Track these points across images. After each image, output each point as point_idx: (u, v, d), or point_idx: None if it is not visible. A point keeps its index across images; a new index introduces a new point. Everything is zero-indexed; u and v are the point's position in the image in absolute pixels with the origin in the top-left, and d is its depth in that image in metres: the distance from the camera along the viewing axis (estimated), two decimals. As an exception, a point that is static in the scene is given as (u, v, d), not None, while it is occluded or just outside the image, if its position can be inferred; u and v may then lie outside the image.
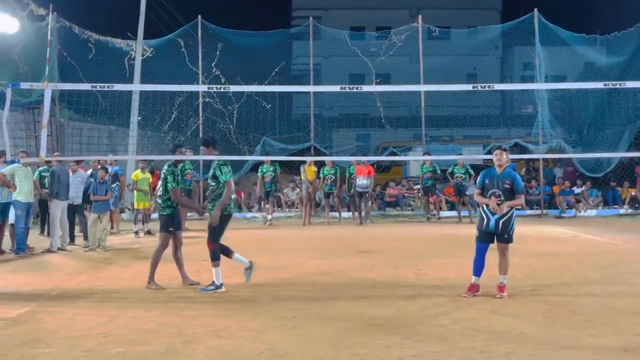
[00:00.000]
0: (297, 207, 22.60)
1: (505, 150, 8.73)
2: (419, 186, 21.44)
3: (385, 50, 23.33)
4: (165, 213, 9.39)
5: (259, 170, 19.77)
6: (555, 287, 9.01)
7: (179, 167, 9.84)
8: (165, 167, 9.44)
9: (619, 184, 23.53)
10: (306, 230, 18.13)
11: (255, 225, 19.31)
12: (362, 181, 19.29)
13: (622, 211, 22.36)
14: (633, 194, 23.00)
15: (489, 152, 23.42)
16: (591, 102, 23.67)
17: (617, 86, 11.13)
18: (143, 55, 22.44)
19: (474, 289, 8.40)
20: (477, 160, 25.66)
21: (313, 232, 17.66)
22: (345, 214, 20.75)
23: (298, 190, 22.30)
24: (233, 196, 9.27)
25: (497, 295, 8.26)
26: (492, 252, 8.48)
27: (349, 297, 8.43)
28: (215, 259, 8.96)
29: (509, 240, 8.43)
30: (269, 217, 19.54)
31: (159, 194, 9.25)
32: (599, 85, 11.87)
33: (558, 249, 13.37)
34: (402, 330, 6.63)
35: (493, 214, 8.37)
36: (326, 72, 31.22)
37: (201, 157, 18.67)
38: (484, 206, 8.47)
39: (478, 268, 8.46)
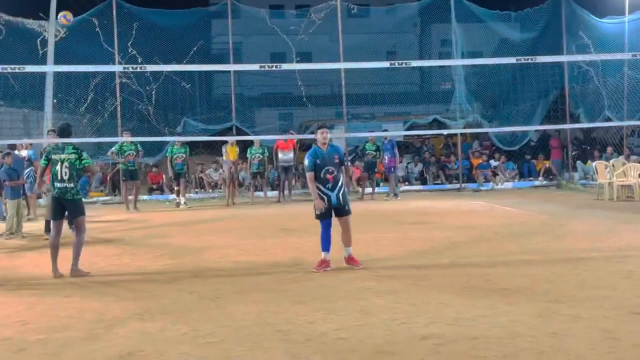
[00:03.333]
0: (220, 188, 22.46)
1: (328, 128, 9.10)
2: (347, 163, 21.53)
3: (304, 28, 23.27)
4: (80, 197, 9.18)
5: (168, 151, 19.46)
6: (473, 258, 9.26)
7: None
8: (71, 148, 9.06)
9: (534, 157, 24.31)
10: (230, 211, 18.06)
11: (177, 208, 19.07)
12: (285, 155, 19.42)
13: (537, 183, 23.14)
14: (547, 165, 23.82)
15: (410, 128, 23.88)
16: (505, 77, 24.30)
17: (529, 61, 11.46)
18: (56, 35, 21.72)
19: (324, 264, 8.65)
20: (398, 137, 26.05)
21: (236, 212, 17.61)
22: (270, 193, 20.72)
23: (221, 170, 22.15)
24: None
25: (355, 267, 8.64)
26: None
27: (272, 275, 8.47)
28: None
29: (350, 211, 8.82)
30: (183, 199, 19.33)
31: (66, 177, 8.85)
32: (512, 60, 12.19)
33: (476, 221, 13.72)
34: (325, 305, 6.71)
35: (332, 189, 8.64)
36: (247, 51, 30.94)
37: (123, 139, 18.43)
38: (321, 185, 8.66)
39: (328, 243, 8.71)
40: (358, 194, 20.45)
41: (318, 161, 8.66)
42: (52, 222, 9.26)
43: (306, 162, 8.74)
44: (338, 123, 25.07)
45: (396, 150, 20.38)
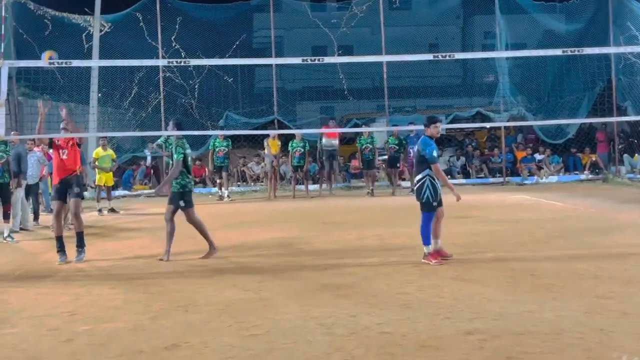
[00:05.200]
0: (261, 181, 22.56)
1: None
2: (384, 157, 21.28)
3: (346, 21, 23.24)
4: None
5: (211, 144, 19.69)
6: (518, 252, 9.16)
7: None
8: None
9: (580, 150, 23.90)
10: (272, 204, 18.13)
11: (220, 201, 19.23)
12: (330, 141, 19.31)
13: (582, 177, 22.73)
14: (593, 159, 23.40)
15: (452, 122, 23.63)
16: (550, 69, 23.95)
17: (575, 52, 11.24)
18: (101, 30, 22.05)
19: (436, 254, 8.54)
20: (440, 130, 25.79)
21: (279, 205, 17.67)
22: (311, 187, 20.73)
23: (263, 164, 22.25)
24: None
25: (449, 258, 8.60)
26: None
27: (315, 269, 8.48)
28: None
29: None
30: (225, 192, 19.49)
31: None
32: (557, 52, 11.97)
33: (520, 215, 13.55)
34: (368, 299, 6.69)
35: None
36: (288, 44, 31.01)
37: (170, 133, 18.58)
38: (434, 176, 8.54)
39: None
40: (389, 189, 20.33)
41: (435, 152, 8.61)
42: (192, 208, 9.57)
43: (435, 152, 8.54)
44: (379, 116, 24.99)
45: None
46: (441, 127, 8.99)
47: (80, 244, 9.72)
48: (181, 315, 6.31)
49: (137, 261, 9.36)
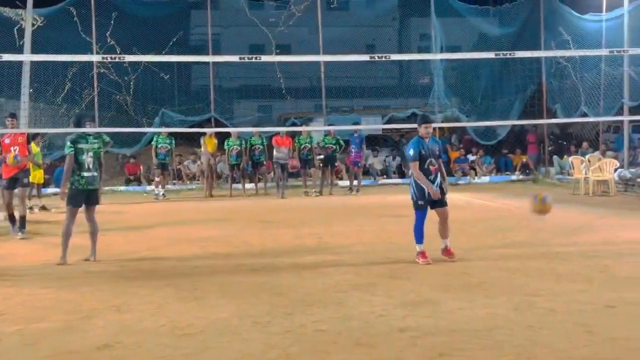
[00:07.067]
0: (197, 180, 22.38)
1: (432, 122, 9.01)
2: (321, 156, 21.26)
3: (284, 20, 23.26)
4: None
5: (154, 139, 19.40)
6: (451, 251, 9.30)
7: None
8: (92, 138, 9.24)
9: (511, 151, 24.49)
10: (208, 203, 18.01)
11: (155, 199, 18.99)
12: (281, 152, 19.04)
13: (514, 177, 23.31)
14: (524, 160, 24.00)
15: (388, 122, 23.89)
16: (484, 72, 24.45)
17: (508, 56, 11.52)
18: (33, 24, 21.44)
19: (425, 255, 8.53)
20: (377, 130, 26.14)
21: (215, 204, 17.57)
22: (248, 185, 20.66)
23: (199, 162, 22.06)
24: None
25: (452, 260, 8.58)
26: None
27: (251, 268, 8.45)
28: None
29: (447, 203, 8.77)
30: (161, 190, 19.20)
31: (92, 166, 9.00)
32: (490, 55, 12.23)
33: (453, 215, 13.55)
34: (304, 297, 6.71)
35: (433, 181, 8.54)
36: (226, 42, 30.81)
37: (93, 130, 18.24)
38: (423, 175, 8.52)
39: (423, 235, 8.62)
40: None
41: (423, 152, 8.48)
42: (72, 208, 9.06)
43: (411, 152, 8.49)
44: (317, 116, 25.08)
45: (364, 145, 20.37)
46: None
47: (23, 226, 11.40)
48: (114, 315, 6.21)
49: (68, 260, 9.14)
